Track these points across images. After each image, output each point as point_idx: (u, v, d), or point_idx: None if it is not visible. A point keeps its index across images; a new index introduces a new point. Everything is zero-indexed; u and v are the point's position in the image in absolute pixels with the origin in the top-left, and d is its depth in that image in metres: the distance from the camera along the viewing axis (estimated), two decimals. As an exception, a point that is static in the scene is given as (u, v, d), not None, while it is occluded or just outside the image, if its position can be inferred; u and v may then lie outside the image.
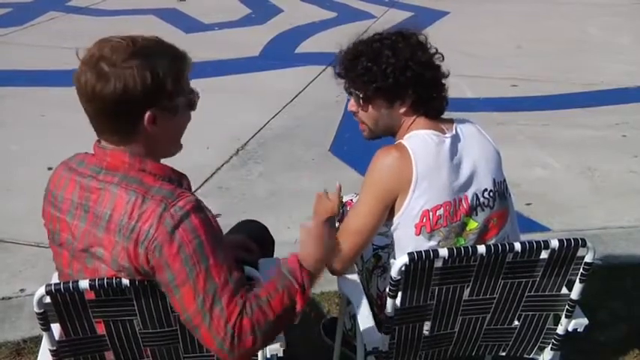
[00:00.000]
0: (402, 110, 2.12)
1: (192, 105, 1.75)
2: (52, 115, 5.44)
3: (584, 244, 1.81)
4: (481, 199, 2.10)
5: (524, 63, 6.90)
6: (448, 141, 2.08)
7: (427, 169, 2.02)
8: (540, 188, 4.35)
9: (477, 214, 2.09)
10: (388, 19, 8.27)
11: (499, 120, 5.38)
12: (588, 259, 1.84)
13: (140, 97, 1.61)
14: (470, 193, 2.08)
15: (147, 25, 8.07)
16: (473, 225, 2.09)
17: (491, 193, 2.12)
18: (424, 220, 2.04)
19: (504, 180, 2.20)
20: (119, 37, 1.66)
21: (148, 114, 1.64)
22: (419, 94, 2.09)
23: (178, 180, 1.75)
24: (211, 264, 1.60)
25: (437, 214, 2.04)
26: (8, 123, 5.33)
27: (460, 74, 5.94)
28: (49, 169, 4.85)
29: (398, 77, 2.05)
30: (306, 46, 7.45)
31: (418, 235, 2.05)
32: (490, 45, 7.49)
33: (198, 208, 1.63)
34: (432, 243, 2.06)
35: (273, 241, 2.57)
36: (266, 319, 1.62)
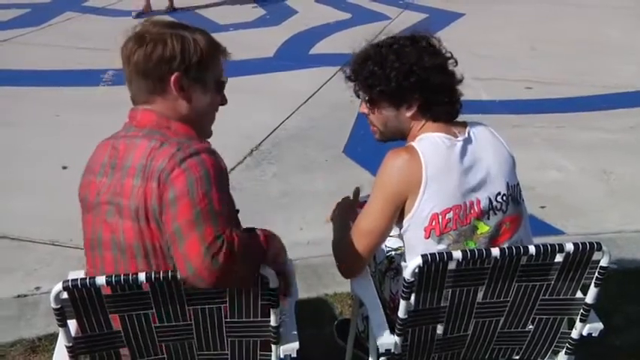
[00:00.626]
0: (409, 114, 2.13)
1: (220, 86, 1.93)
2: (66, 115, 5.47)
3: (599, 248, 1.80)
4: (494, 203, 2.09)
5: (538, 65, 6.86)
6: (459, 144, 2.08)
7: (437, 172, 2.02)
8: (555, 191, 4.33)
9: (489, 218, 2.08)
10: (403, 20, 8.25)
11: (514, 122, 5.36)
12: (603, 262, 1.84)
13: (167, 59, 1.80)
14: (483, 197, 2.07)
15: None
16: (484, 229, 2.08)
17: (504, 197, 2.11)
18: (433, 224, 2.04)
19: (518, 184, 2.19)
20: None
21: (174, 75, 1.81)
22: (426, 98, 2.10)
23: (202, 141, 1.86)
24: (213, 192, 1.68)
25: (446, 217, 2.03)
26: (23, 123, 5.35)
27: (475, 76, 5.92)
28: (64, 168, 4.90)
29: (401, 82, 2.07)
30: (321, 47, 7.44)
31: (427, 238, 2.05)
32: (504, 46, 7.44)
33: (211, 151, 1.77)
34: (442, 246, 2.05)
35: None
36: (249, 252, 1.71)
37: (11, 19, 8.47)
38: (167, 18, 1.98)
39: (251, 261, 1.72)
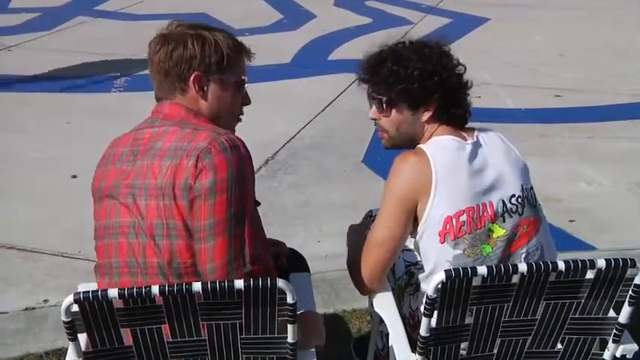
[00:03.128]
0: (426, 117, 2.13)
1: (240, 86, 1.99)
2: (77, 122, 5.45)
3: (633, 265, 1.74)
4: (508, 205, 2.07)
5: (567, 72, 6.78)
6: (469, 147, 2.09)
7: (446, 173, 2.02)
8: (585, 204, 4.24)
9: (504, 221, 2.06)
10: (425, 25, 8.23)
11: (541, 132, 5.31)
12: (638, 280, 1.77)
13: (187, 59, 1.88)
14: (495, 199, 2.05)
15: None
16: (500, 232, 2.06)
17: (519, 199, 2.09)
18: (447, 227, 2.02)
19: (532, 188, 2.17)
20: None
21: (194, 74, 1.89)
22: (444, 100, 2.10)
23: None
24: (248, 193, 1.80)
25: (460, 220, 2.02)
26: (33, 130, 5.32)
27: (500, 83, 5.88)
28: (74, 177, 4.89)
29: (425, 81, 2.08)
30: (340, 53, 7.39)
31: (443, 242, 2.03)
32: (531, 52, 7.38)
33: (245, 146, 1.85)
34: (458, 251, 2.03)
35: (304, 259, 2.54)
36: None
37: (21, 24, 8.49)
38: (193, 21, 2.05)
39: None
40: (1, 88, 6.17)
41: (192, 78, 1.90)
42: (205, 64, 1.90)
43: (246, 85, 2.03)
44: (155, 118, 1.94)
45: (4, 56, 7.21)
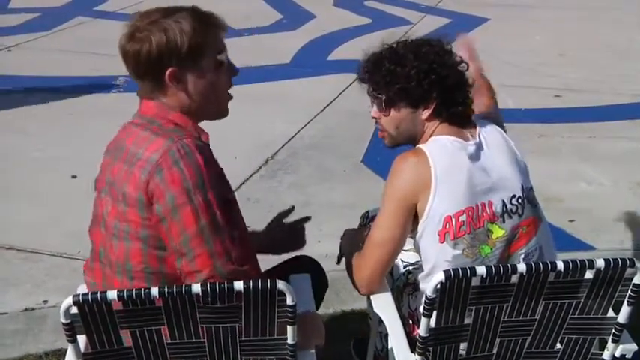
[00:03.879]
0: (425, 115, 2.12)
1: (219, 65, 1.89)
2: (77, 122, 5.43)
3: (632, 265, 1.74)
4: (509, 206, 2.06)
5: (567, 72, 6.76)
6: (470, 147, 2.08)
7: (446, 173, 2.01)
8: (585, 204, 4.24)
9: (504, 222, 2.05)
10: (425, 25, 8.20)
11: (541, 132, 5.30)
12: (637, 280, 1.77)
13: (156, 57, 1.80)
14: (495, 199, 2.05)
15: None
16: (499, 233, 2.05)
17: (519, 200, 2.08)
18: (447, 227, 2.02)
19: (532, 188, 2.17)
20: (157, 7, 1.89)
21: (168, 70, 1.82)
22: (443, 98, 2.09)
23: (197, 133, 1.88)
24: (210, 196, 1.74)
25: (459, 220, 2.01)
26: (33, 130, 5.31)
27: (500, 83, 5.78)
28: (73, 177, 4.87)
29: (421, 80, 2.07)
30: (339, 54, 7.38)
31: (442, 242, 2.03)
32: (531, 52, 7.36)
33: (202, 148, 1.79)
34: (457, 251, 2.03)
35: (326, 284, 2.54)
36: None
37: (21, 24, 8.46)
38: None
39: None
40: (1, 88, 6.16)
41: (167, 75, 1.83)
42: (176, 57, 1.82)
43: (226, 55, 1.93)
44: (137, 112, 1.93)
45: (4, 56, 7.20)
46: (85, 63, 6.85)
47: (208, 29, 1.87)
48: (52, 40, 7.81)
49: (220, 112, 1.98)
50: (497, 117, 2.34)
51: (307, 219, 2.46)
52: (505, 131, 2.24)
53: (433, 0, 9.74)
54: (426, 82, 2.07)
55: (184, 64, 1.83)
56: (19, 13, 8.89)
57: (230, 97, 1.99)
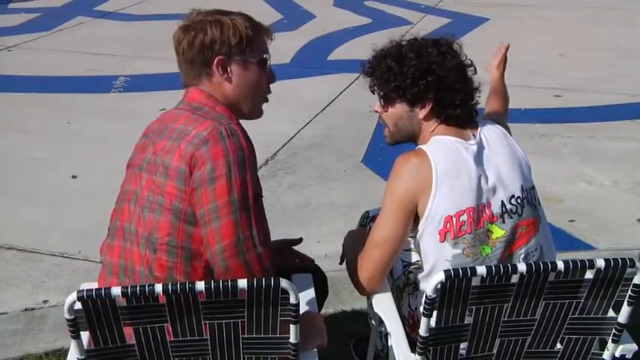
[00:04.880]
0: (423, 115, 2.13)
1: (263, 63, 2.06)
2: (77, 122, 5.44)
3: (632, 265, 1.73)
4: (508, 206, 2.06)
5: (567, 72, 6.77)
6: (471, 147, 2.08)
7: (447, 173, 2.02)
8: (585, 204, 4.23)
9: (503, 222, 2.05)
10: (425, 25, 8.19)
11: (542, 132, 5.29)
12: (637, 280, 1.76)
13: (208, 44, 1.97)
14: (495, 200, 2.05)
15: (175, 30, 8.01)
16: (499, 233, 2.05)
17: (518, 200, 2.08)
18: (448, 226, 2.02)
19: (533, 187, 2.16)
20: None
21: (217, 58, 1.98)
22: (440, 99, 2.10)
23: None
24: (249, 178, 1.84)
25: (460, 220, 2.01)
26: (34, 130, 5.31)
27: None
28: (74, 177, 4.86)
29: (417, 80, 2.08)
30: (339, 54, 7.39)
31: (443, 241, 2.03)
32: (531, 53, 7.34)
33: (247, 135, 1.91)
34: (457, 251, 2.03)
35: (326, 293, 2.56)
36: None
37: (21, 24, 8.48)
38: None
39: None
40: (1, 89, 6.16)
41: (215, 62, 1.98)
42: (226, 47, 1.98)
43: (269, 63, 2.10)
44: (181, 100, 2.05)
45: (4, 56, 7.21)
46: (85, 63, 6.85)
47: (258, 29, 2.05)
48: (52, 40, 7.82)
49: (254, 110, 2.10)
50: (502, 121, 2.33)
51: (300, 240, 2.52)
52: (510, 134, 2.25)
53: (433, 0, 9.74)
54: (422, 83, 2.08)
55: (232, 55, 1.99)
56: (19, 13, 8.91)
57: (266, 99, 2.13)
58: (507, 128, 2.29)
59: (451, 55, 2.13)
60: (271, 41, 2.12)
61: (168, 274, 1.87)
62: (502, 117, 2.41)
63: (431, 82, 2.07)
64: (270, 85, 2.13)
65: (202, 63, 1.99)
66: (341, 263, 2.50)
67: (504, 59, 2.65)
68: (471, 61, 2.18)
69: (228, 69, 2.00)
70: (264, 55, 2.07)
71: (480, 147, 2.10)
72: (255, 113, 2.12)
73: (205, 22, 1.99)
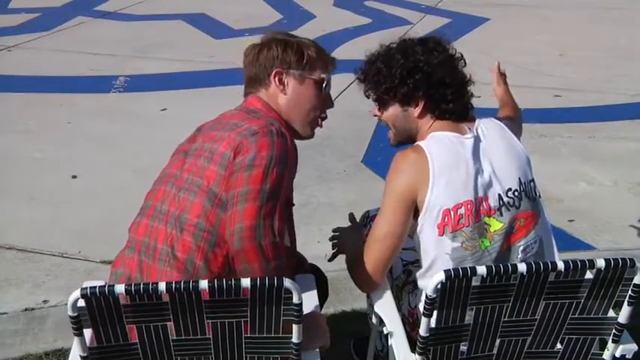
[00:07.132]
0: (417, 113, 2.16)
1: (320, 85, 2.20)
2: (77, 122, 5.43)
3: (632, 265, 1.74)
4: (505, 199, 2.07)
5: (567, 72, 6.76)
6: (468, 141, 2.10)
7: (444, 167, 2.04)
8: (585, 204, 4.23)
9: (501, 215, 2.06)
10: (425, 25, 8.20)
11: (541, 132, 5.29)
12: (637, 280, 1.76)
13: (270, 58, 2.14)
14: (492, 193, 2.07)
15: (176, 30, 8.09)
16: (497, 226, 2.06)
17: (516, 193, 2.09)
18: (446, 220, 2.03)
19: (532, 180, 2.17)
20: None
21: (275, 70, 2.13)
22: (431, 95, 2.12)
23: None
24: (285, 177, 1.93)
25: (458, 213, 2.03)
26: (34, 130, 5.31)
27: None
28: (74, 177, 4.84)
29: (405, 79, 2.11)
30: (339, 54, 7.16)
31: (442, 235, 2.04)
32: (531, 52, 7.35)
33: (293, 142, 2.02)
34: (456, 244, 2.04)
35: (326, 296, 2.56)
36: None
37: (21, 24, 8.46)
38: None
39: (279, 273, 1.81)
40: (1, 89, 6.15)
41: (273, 73, 2.13)
42: (286, 62, 2.13)
43: (329, 85, 2.23)
44: (239, 105, 2.18)
45: (4, 56, 7.19)
46: (85, 63, 6.84)
47: (321, 54, 2.22)
48: (52, 40, 7.80)
49: (304, 128, 2.21)
50: (513, 126, 2.31)
51: None
52: (520, 134, 2.25)
53: (433, 0, 9.74)
54: (410, 81, 2.11)
55: (290, 69, 2.14)
56: (19, 13, 8.89)
57: (319, 123, 2.25)
58: (518, 132, 2.29)
59: (438, 50, 2.15)
60: (333, 69, 2.26)
61: (189, 256, 1.90)
62: (514, 122, 2.40)
63: (419, 79, 2.11)
64: None
65: (262, 74, 2.14)
66: (330, 261, 2.50)
67: (502, 75, 2.65)
68: (461, 54, 2.20)
69: (285, 81, 2.14)
70: (322, 76, 2.20)
71: (477, 141, 2.11)
72: (306, 131, 2.22)
73: (272, 40, 2.16)
